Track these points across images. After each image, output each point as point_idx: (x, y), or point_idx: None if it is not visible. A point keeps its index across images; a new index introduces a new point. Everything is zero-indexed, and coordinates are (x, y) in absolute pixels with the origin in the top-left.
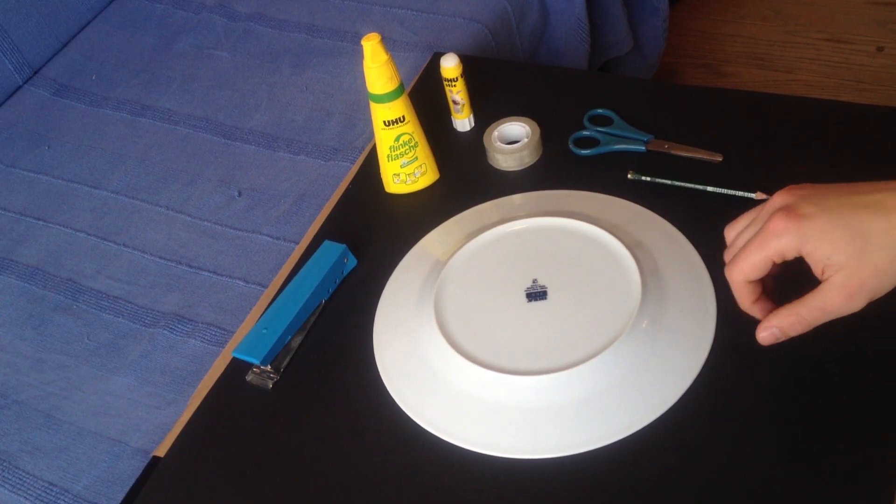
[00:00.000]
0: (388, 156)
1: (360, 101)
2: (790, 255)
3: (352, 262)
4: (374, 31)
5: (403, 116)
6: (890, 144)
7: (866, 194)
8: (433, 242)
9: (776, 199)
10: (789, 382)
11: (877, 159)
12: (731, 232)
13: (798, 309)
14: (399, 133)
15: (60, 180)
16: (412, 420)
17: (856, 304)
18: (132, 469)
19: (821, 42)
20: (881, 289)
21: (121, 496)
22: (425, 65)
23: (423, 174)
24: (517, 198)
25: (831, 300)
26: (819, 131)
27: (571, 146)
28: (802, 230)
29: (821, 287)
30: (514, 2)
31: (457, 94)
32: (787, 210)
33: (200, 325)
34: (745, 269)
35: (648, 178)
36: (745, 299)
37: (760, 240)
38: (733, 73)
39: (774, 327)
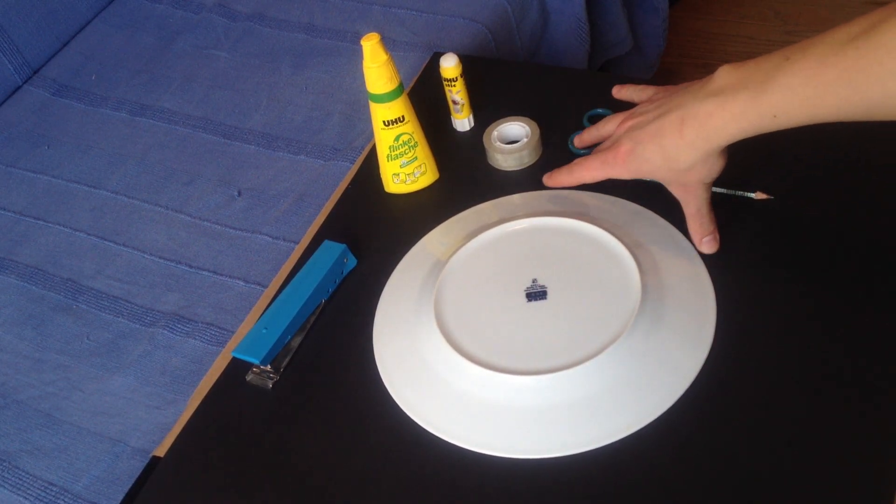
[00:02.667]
0: (387, 156)
1: (359, 101)
2: (624, 178)
3: (352, 262)
4: (373, 31)
5: (403, 116)
6: (889, 141)
7: (660, 118)
8: (433, 242)
9: (617, 130)
10: (789, 382)
11: (876, 157)
12: (593, 133)
13: (688, 215)
14: (399, 133)
15: (60, 180)
16: (412, 420)
17: (701, 194)
18: (132, 469)
19: None
20: (705, 175)
21: (121, 496)
22: (425, 65)
23: (422, 174)
24: (517, 198)
25: (687, 206)
26: (819, 129)
27: (571, 146)
28: (626, 164)
29: (679, 200)
30: (514, 2)
31: (456, 94)
32: (616, 145)
33: (200, 325)
34: (585, 176)
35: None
36: (564, 182)
37: (599, 162)
38: None
39: (714, 236)
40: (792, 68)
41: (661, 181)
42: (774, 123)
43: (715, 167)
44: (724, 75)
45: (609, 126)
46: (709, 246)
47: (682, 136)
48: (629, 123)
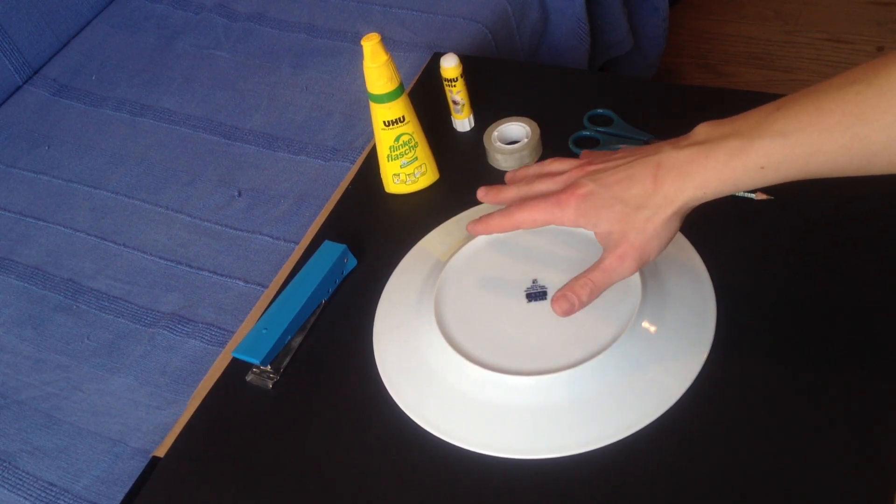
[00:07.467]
0: (388, 156)
1: (360, 101)
2: (567, 224)
3: (352, 262)
4: (374, 31)
5: (403, 116)
6: None
7: (631, 164)
8: (433, 242)
9: (574, 172)
10: (788, 382)
11: None
12: (536, 170)
13: (588, 275)
14: (399, 133)
15: (60, 180)
16: (412, 420)
17: (629, 265)
18: (132, 469)
19: (821, 42)
20: (648, 249)
21: (121, 496)
22: (425, 65)
23: (423, 174)
24: None
25: (609, 263)
26: None
27: (571, 146)
28: (579, 207)
29: (602, 254)
30: (514, 2)
31: (457, 94)
32: (574, 186)
33: (200, 325)
34: (526, 220)
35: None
36: (498, 228)
37: (547, 204)
38: (733, 73)
39: (571, 295)
40: (785, 115)
41: (602, 240)
42: (759, 177)
43: (664, 237)
44: (705, 129)
45: (556, 166)
46: (559, 304)
47: (655, 183)
48: (591, 168)
